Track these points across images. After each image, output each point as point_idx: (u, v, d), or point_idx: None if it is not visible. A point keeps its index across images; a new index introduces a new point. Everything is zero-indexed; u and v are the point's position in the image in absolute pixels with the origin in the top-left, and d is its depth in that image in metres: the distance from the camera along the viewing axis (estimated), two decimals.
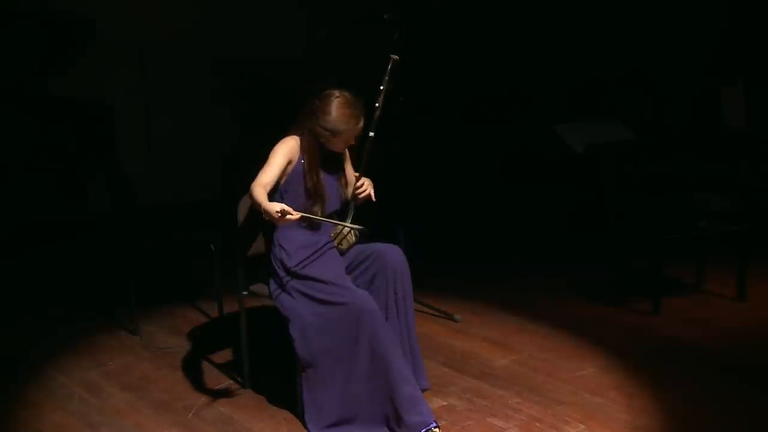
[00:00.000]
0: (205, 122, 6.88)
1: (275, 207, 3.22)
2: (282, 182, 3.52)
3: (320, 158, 3.54)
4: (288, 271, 3.49)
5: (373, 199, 3.65)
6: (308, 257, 3.50)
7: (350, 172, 3.71)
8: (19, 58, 5.58)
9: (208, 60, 6.82)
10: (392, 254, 3.55)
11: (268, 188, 3.40)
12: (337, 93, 3.47)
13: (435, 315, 4.66)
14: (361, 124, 3.51)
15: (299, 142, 3.53)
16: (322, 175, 3.55)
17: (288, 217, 3.22)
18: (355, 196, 3.64)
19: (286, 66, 6.93)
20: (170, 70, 6.71)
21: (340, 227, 3.58)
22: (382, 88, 3.65)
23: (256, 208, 3.35)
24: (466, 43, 7.43)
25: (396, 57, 3.69)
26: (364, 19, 6.56)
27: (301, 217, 3.29)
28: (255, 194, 3.32)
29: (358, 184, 3.62)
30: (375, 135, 3.65)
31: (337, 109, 3.44)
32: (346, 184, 3.68)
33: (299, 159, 3.52)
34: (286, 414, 3.56)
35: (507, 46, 7.24)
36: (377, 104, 3.64)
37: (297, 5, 7.18)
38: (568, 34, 6.97)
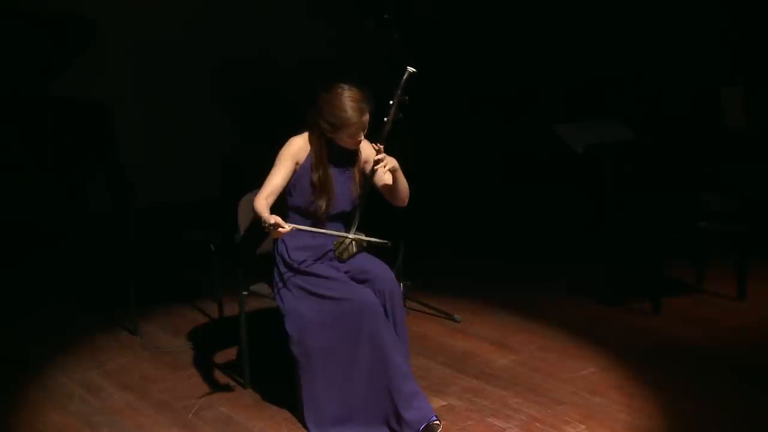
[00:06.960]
0: (204, 122, 6.88)
1: (269, 219, 3.23)
2: (291, 179, 3.50)
3: (328, 154, 3.50)
4: (290, 267, 3.49)
5: (387, 168, 3.36)
6: (310, 257, 3.50)
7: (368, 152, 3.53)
8: (19, 58, 5.58)
9: (208, 60, 6.82)
10: (385, 279, 3.47)
11: (270, 199, 3.41)
12: (343, 86, 3.41)
13: (435, 315, 4.66)
14: (367, 117, 3.42)
15: (307, 139, 3.51)
16: (331, 170, 3.51)
17: (279, 230, 3.23)
18: (372, 172, 3.46)
19: (287, 66, 6.93)
20: (170, 70, 6.71)
21: (342, 237, 3.51)
22: (391, 102, 3.41)
23: (257, 219, 3.36)
24: (465, 44, 7.42)
25: (413, 69, 3.40)
26: (364, 19, 6.60)
27: (292, 229, 3.27)
28: (256, 207, 3.36)
29: (379, 157, 3.37)
30: (383, 148, 3.41)
31: (343, 102, 3.37)
32: (361, 183, 3.57)
33: (308, 155, 3.50)
34: (286, 414, 3.55)
35: (507, 46, 7.24)
36: (386, 118, 3.42)
37: (298, 5, 7.17)
38: (568, 34, 6.97)
